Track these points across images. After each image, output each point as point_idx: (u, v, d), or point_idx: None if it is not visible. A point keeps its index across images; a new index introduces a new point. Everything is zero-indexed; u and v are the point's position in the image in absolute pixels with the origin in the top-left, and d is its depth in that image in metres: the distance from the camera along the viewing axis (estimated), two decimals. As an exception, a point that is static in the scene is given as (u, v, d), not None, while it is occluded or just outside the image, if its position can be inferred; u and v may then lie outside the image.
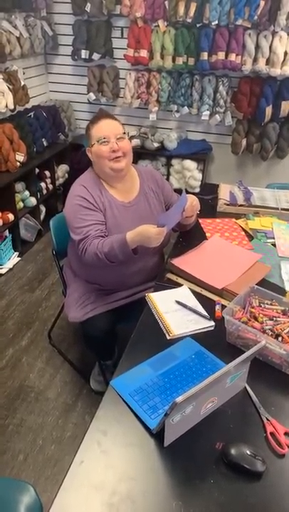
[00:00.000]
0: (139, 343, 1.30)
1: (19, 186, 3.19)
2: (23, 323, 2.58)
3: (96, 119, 1.70)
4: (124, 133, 1.70)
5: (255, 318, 1.27)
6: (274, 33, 2.97)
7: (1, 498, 1.12)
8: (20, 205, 3.20)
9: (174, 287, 1.55)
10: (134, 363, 1.20)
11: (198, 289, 1.54)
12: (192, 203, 1.71)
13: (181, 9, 3.02)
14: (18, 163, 3.05)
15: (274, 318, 1.27)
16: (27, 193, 3.26)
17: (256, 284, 1.41)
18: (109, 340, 1.82)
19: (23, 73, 3.26)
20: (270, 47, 2.99)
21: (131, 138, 3.52)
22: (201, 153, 3.58)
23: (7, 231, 3.08)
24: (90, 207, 1.65)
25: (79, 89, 3.78)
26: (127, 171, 1.73)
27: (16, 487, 1.15)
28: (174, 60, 3.23)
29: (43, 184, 3.46)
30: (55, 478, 1.72)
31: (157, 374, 1.16)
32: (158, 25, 3.18)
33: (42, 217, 3.53)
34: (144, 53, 3.25)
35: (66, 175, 3.83)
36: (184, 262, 1.65)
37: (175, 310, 1.42)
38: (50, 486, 1.69)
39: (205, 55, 3.12)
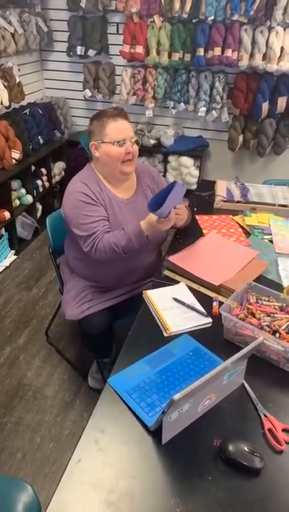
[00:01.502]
0: (136, 341, 1.29)
1: (15, 184, 3.18)
2: (21, 321, 2.58)
3: (113, 116, 1.63)
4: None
5: (253, 315, 1.27)
6: (270, 29, 2.96)
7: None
8: (17, 203, 3.19)
9: (172, 284, 1.55)
10: (132, 361, 1.20)
11: (195, 286, 1.54)
12: (180, 210, 1.71)
13: (177, 4, 3.00)
14: (14, 161, 3.03)
15: (271, 315, 1.27)
16: (23, 190, 3.25)
17: (253, 281, 1.41)
18: (107, 337, 1.82)
19: (18, 70, 3.23)
20: (267, 42, 2.99)
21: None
22: (197, 150, 3.57)
23: (3, 229, 3.07)
24: (92, 203, 1.64)
25: (75, 86, 3.76)
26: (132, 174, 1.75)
27: (14, 486, 1.15)
28: (170, 56, 3.22)
29: (39, 182, 3.44)
30: (53, 476, 1.72)
31: (155, 371, 1.16)
32: (154, 21, 3.17)
33: (38, 215, 3.52)
34: (140, 49, 3.23)
35: (63, 172, 3.81)
36: (181, 259, 1.64)
37: (172, 307, 1.42)
38: (48, 484, 1.69)
39: (201, 51, 3.10)
